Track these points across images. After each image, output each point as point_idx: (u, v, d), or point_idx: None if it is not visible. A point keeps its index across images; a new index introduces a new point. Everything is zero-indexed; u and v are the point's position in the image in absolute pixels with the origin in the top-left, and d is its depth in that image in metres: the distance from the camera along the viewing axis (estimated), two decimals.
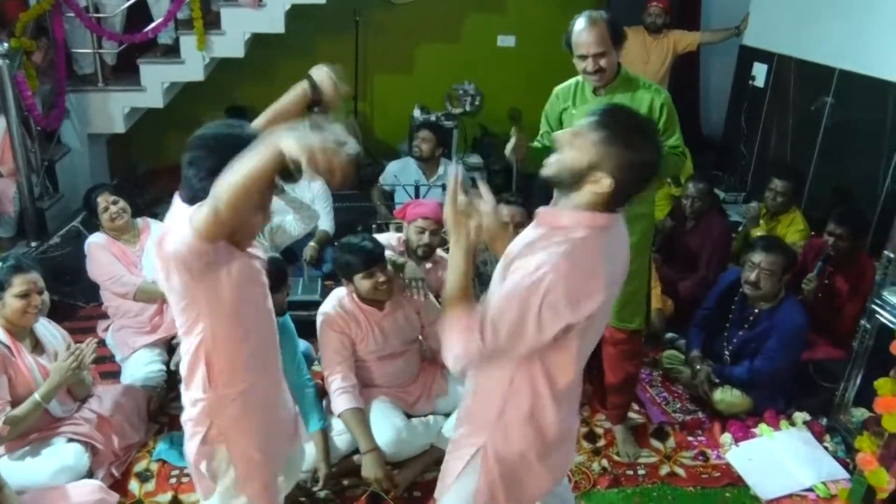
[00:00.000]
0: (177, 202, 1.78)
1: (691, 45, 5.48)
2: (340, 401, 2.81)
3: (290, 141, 1.48)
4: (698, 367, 3.42)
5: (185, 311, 1.81)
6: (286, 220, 3.74)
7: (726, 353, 3.45)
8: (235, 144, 1.61)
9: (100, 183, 4.21)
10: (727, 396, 3.32)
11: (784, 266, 3.26)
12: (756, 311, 3.36)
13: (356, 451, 2.81)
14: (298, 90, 2.02)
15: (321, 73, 2.03)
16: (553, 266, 1.57)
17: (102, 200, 3.56)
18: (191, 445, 1.95)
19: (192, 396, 1.91)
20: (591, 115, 1.66)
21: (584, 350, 1.78)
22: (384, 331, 2.97)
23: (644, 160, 1.64)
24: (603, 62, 2.67)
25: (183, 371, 1.93)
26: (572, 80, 2.93)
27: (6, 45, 4.05)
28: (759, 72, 5.49)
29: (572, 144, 1.65)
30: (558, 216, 1.69)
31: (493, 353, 1.62)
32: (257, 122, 1.97)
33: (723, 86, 6.08)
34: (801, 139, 5.00)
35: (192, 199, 1.70)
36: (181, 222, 1.66)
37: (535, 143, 2.95)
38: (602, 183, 1.61)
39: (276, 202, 3.85)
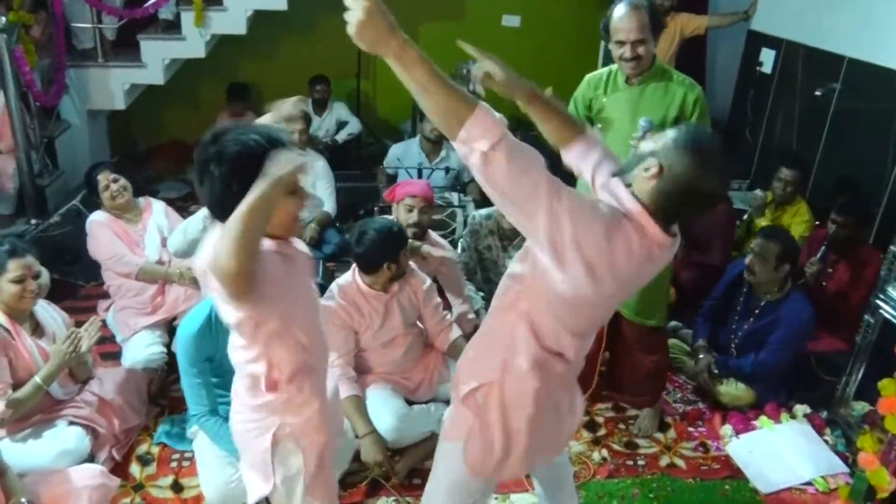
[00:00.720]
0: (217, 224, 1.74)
1: (699, 28, 5.42)
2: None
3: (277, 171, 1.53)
4: (701, 356, 3.42)
5: (243, 325, 1.75)
6: None
7: (733, 345, 3.45)
8: (255, 158, 1.60)
9: (100, 161, 4.18)
10: (731, 389, 3.32)
11: (778, 253, 3.22)
12: (762, 303, 3.35)
13: (356, 437, 2.82)
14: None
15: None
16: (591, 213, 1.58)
17: (103, 179, 3.53)
18: (254, 445, 1.89)
19: (254, 402, 1.85)
20: (683, 143, 1.62)
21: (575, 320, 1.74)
22: (388, 312, 2.96)
23: (701, 204, 1.68)
24: (641, 49, 2.63)
25: (242, 377, 1.88)
26: (605, 69, 2.89)
27: (4, 18, 3.98)
28: (767, 58, 5.43)
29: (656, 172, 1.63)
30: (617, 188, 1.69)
31: (496, 169, 1.50)
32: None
33: (730, 71, 6.02)
34: (808, 127, 4.95)
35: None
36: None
37: None
38: (651, 170, 1.62)
39: None
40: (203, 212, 3.13)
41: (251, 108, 5.98)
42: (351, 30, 1.41)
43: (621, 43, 2.65)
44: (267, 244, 1.70)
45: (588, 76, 2.95)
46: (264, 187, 1.50)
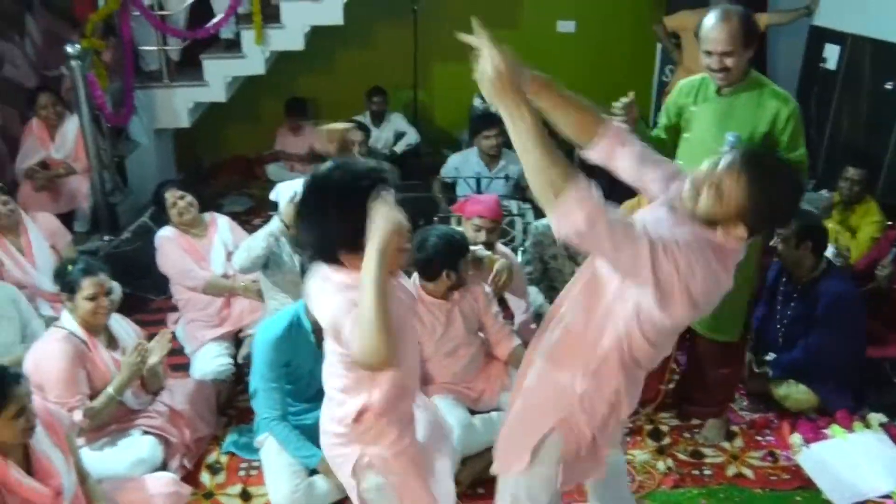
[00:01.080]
0: (321, 268, 1.79)
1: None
2: None
3: (379, 236, 1.59)
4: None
5: (347, 372, 1.83)
6: None
7: (780, 334, 3.38)
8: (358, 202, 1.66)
9: (167, 179, 4.33)
10: (792, 391, 3.25)
11: (796, 231, 3.16)
12: (799, 287, 3.29)
13: None
14: None
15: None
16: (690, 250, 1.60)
17: (170, 196, 3.65)
18: (342, 471, 1.96)
19: (342, 428, 1.91)
20: (737, 164, 1.62)
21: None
22: (450, 321, 2.98)
23: (787, 215, 1.73)
24: (728, 62, 2.54)
25: (328, 409, 1.94)
26: (698, 76, 2.80)
27: (78, 46, 4.17)
28: (831, 53, 5.28)
29: (715, 194, 1.63)
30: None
31: (599, 239, 1.55)
32: None
33: (792, 69, 5.86)
34: (877, 123, 4.79)
35: (329, 258, 1.75)
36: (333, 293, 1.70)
37: (652, 134, 2.91)
38: (738, 232, 1.65)
39: None
40: (266, 229, 3.21)
41: (309, 122, 6.10)
42: (479, 78, 1.50)
43: (709, 53, 2.56)
44: None
45: (681, 83, 2.87)
46: (374, 269, 1.57)
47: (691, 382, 3.22)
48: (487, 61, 1.49)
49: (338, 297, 1.68)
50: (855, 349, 3.28)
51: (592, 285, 1.83)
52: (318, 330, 2.72)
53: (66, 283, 2.79)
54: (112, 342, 2.92)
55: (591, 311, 1.81)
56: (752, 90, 2.64)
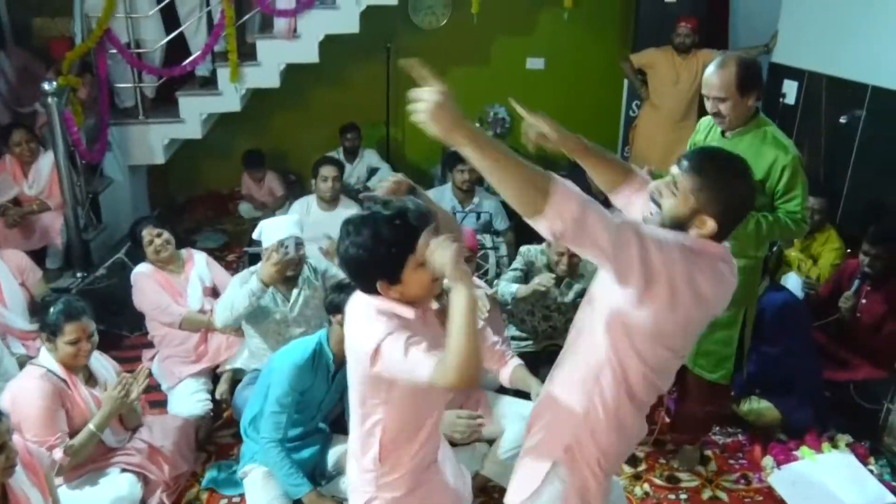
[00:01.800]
0: (358, 294, 1.85)
1: None
2: None
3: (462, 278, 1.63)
4: None
5: (368, 397, 1.86)
6: (332, 266, 3.66)
7: None
8: (401, 241, 1.71)
9: (143, 216, 4.33)
10: (754, 405, 3.35)
11: None
12: None
13: None
14: None
15: None
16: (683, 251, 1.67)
17: (147, 234, 3.66)
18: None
19: (363, 466, 1.94)
20: (684, 160, 1.76)
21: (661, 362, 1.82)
22: None
23: (742, 199, 1.77)
24: (722, 107, 2.59)
25: (354, 441, 1.97)
26: None
27: (55, 83, 4.19)
28: (790, 89, 5.47)
29: (671, 194, 1.75)
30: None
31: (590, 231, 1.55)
32: None
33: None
34: (834, 156, 4.97)
35: (368, 288, 1.79)
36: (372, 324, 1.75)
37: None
38: (707, 225, 1.72)
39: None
40: (247, 288, 3.20)
41: (269, 170, 6.01)
42: (424, 116, 1.48)
43: (706, 97, 2.63)
44: (409, 313, 1.78)
45: (704, 119, 2.90)
46: (465, 291, 1.61)
47: (675, 412, 3.28)
48: (427, 96, 1.48)
49: (376, 324, 1.74)
50: (807, 357, 3.38)
51: (589, 312, 1.90)
52: (336, 361, 2.78)
53: (47, 325, 2.74)
54: (91, 379, 2.90)
55: (588, 335, 1.87)
56: (755, 135, 2.67)
